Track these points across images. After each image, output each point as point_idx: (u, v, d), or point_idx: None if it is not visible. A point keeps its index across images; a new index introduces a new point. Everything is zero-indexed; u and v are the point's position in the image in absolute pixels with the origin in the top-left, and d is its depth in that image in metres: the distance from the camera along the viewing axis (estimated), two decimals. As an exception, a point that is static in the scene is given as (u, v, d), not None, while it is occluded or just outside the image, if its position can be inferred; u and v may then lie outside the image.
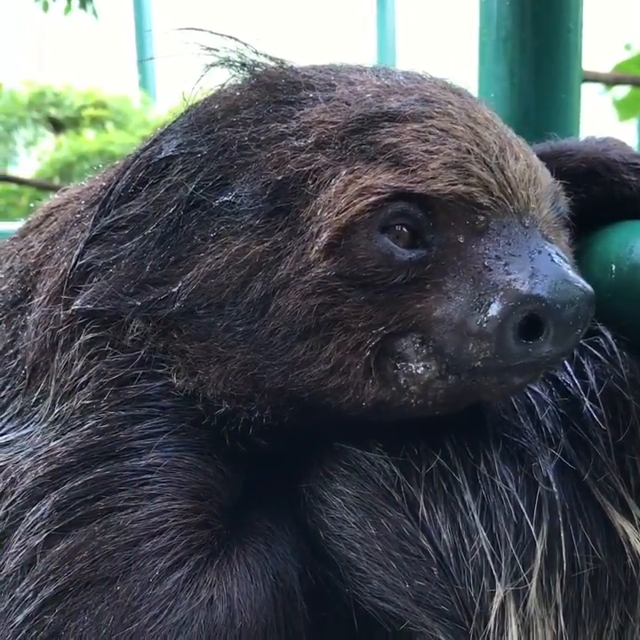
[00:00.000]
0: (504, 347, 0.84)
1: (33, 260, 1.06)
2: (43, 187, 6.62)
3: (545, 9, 1.33)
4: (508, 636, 0.91)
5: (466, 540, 0.93)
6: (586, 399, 0.97)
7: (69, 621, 0.87)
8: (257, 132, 0.93)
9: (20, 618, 0.87)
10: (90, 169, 1.11)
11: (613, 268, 1.00)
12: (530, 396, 0.98)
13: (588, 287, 0.85)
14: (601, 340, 1.01)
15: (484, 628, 0.92)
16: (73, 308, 0.98)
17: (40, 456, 0.93)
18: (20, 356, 1.01)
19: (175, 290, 0.94)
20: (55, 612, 0.87)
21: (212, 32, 0.97)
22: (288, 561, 0.94)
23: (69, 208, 1.09)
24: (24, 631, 0.87)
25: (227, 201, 0.92)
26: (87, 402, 0.95)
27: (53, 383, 0.97)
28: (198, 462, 0.95)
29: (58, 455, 0.92)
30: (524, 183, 0.91)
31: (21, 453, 0.94)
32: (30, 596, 0.87)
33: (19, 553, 0.89)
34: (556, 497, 0.93)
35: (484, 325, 0.84)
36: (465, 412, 0.96)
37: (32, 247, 1.08)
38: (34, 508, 0.90)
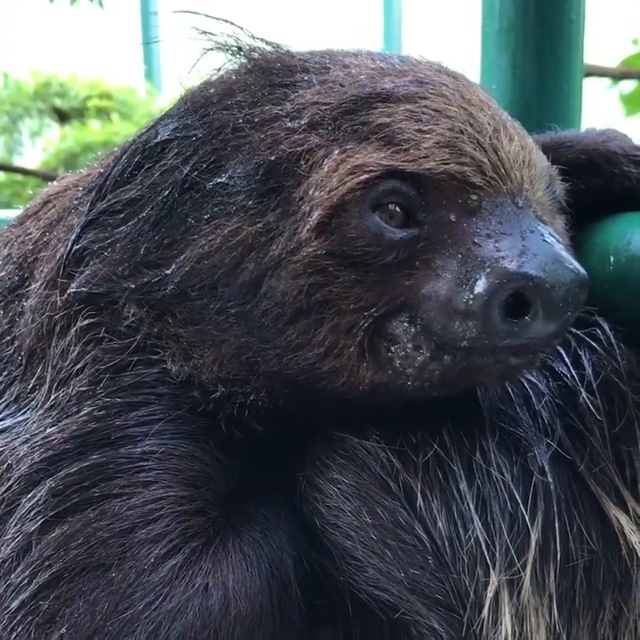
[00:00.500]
0: (489, 325, 0.83)
1: (31, 247, 1.07)
2: (47, 177, 6.61)
3: (547, 0, 1.33)
4: (501, 624, 0.92)
5: (461, 530, 0.93)
6: (582, 390, 0.97)
7: (64, 607, 0.87)
8: (251, 115, 0.93)
9: (15, 603, 0.88)
10: (94, 160, 1.11)
11: (612, 259, 1.00)
12: (526, 386, 0.98)
13: (581, 270, 0.84)
14: (598, 331, 1.01)
15: (478, 616, 0.92)
16: (68, 291, 0.98)
17: (36, 442, 0.93)
18: (17, 343, 1.01)
19: (169, 272, 0.94)
20: (50, 598, 0.87)
21: (208, 16, 0.97)
22: (283, 549, 0.94)
23: (68, 195, 1.10)
24: (19, 617, 0.87)
25: (220, 182, 0.92)
26: (83, 388, 0.95)
27: (50, 369, 0.97)
28: (194, 450, 0.95)
29: (54, 442, 0.92)
30: (517, 164, 0.90)
31: (18, 440, 0.94)
32: (26, 581, 0.88)
33: (14, 539, 0.90)
34: (552, 487, 0.94)
35: (470, 303, 0.83)
36: (462, 401, 0.96)
37: (30, 234, 1.08)
38: (30, 495, 0.91)
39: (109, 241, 0.97)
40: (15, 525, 0.90)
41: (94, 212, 0.99)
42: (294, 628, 0.93)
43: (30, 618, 0.87)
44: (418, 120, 0.89)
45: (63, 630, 0.86)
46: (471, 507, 0.93)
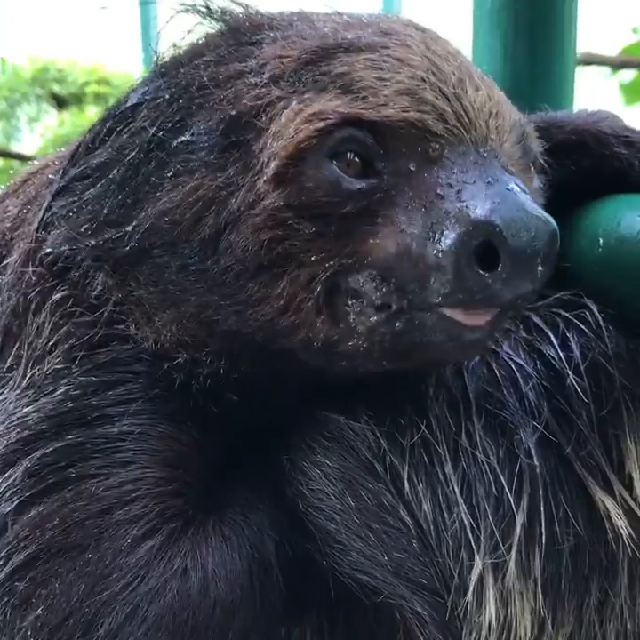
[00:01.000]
0: (462, 278, 0.80)
1: (8, 225, 1.06)
2: (45, 163, 6.59)
3: (539, -21, 1.31)
4: (485, 608, 0.91)
5: (446, 513, 0.92)
6: (570, 372, 0.96)
7: (40, 588, 0.86)
8: (217, 73, 0.92)
9: None
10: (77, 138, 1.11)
11: (601, 241, 0.99)
12: (514, 368, 0.97)
13: (550, 219, 0.81)
14: (587, 313, 1.00)
15: (462, 600, 0.91)
16: (39, 256, 0.97)
17: (12, 422, 0.92)
18: None
19: (129, 229, 0.92)
20: (26, 579, 0.86)
21: None
22: (265, 532, 0.92)
23: (46, 171, 1.09)
24: None
25: (184, 140, 0.91)
26: (59, 366, 0.94)
27: (26, 348, 0.96)
28: (172, 430, 0.94)
29: (30, 421, 0.91)
30: (483, 114, 0.88)
31: None
32: (1, 562, 0.86)
33: None
34: (538, 470, 0.93)
35: (440, 256, 0.80)
36: (448, 383, 0.95)
37: (8, 212, 1.08)
38: (6, 475, 0.89)
39: (77, 204, 0.97)
40: None
41: (66, 178, 0.98)
42: (276, 611, 0.92)
43: (6, 599, 0.86)
44: (378, 68, 0.87)
45: (39, 611, 0.85)
46: (456, 490, 0.93)
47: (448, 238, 0.80)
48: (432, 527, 0.92)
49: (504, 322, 0.91)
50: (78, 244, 0.96)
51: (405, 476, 0.93)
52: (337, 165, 0.85)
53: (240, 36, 0.95)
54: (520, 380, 0.97)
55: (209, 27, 0.99)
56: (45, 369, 0.94)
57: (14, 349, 0.97)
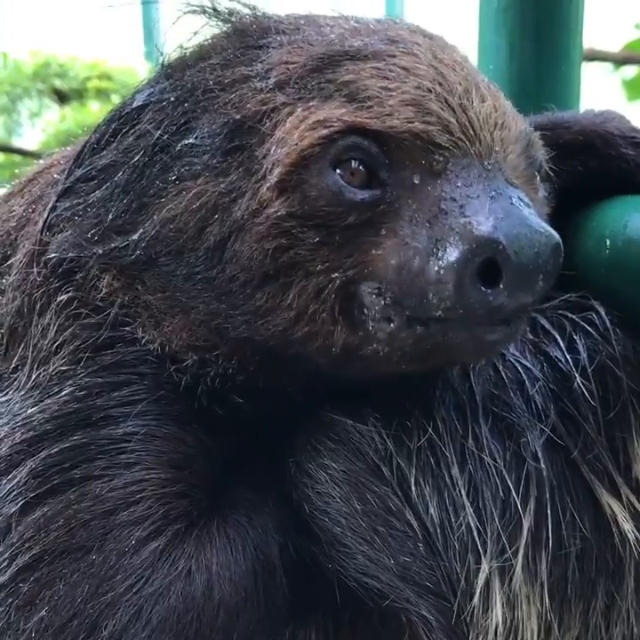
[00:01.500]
0: (463, 294, 0.80)
1: (14, 224, 1.05)
2: (46, 158, 6.58)
3: (545, -22, 1.30)
4: (492, 612, 0.91)
5: (452, 516, 0.92)
6: (577, 375, 0.95)
7: (45, 590, 0.86)
8: (222, 76, 0.91)
9: None
10: (82, 136, 1.11)
11: (608, 242, 0.98)
12: (521, 370, 0.97)
13: (554, 234, 0.81)
14: (594, 315, 0.99)
15: (468, 604, 0.91)
16: (44, 259, 0.97)
17: (17, 423, 0.92)
18: None
19: (135, 237, 0.92)
20: (30, 580, 0.86)
21: None
22: (270, 534, 0.92)
23: (52, 171, 1.08)
24: None
25: (188, 143, 0.90)
26: (64, 368, 0.93)
27: (31, 348, 0.96)
28: (177, 431, 0.93)
29: (35, 422, 0.91)
30: (488, 125, 0.87)
31: (0, 421, 0.93)
32: (5, 564, 0.86)
33: None
34: (544, 473, 0.92)
35: (442, 272, 0.80)
36: (455, 385, 0.95)
37: (14, 211, 1.07)
38: (10, 476, 0.89)
39: (82, 207, 0.96)
40: None
41: (71, 179, 0.98)
42: (280, 613, 0.91)
43: (10, 600, 0.86)
44: (384, 77, 0.86)
45: (43, 613, 0.85)
46: (463, 493, 0.92)
47: (451, 255, 0.79)
48: (439, 530, 0.92)
49: (522, 323, 0.90)
50: (85, 251, 0.95)
51: (412, 479, 0.93)
52: (340, 175, 0.84)
53: (247, 38, 0.94)
54: (527, 382, 0.96)
55: (216, 28, 0.98)
56: (50, 370, 0.94)
57: (19, 350, 0.97)
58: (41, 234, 0.98)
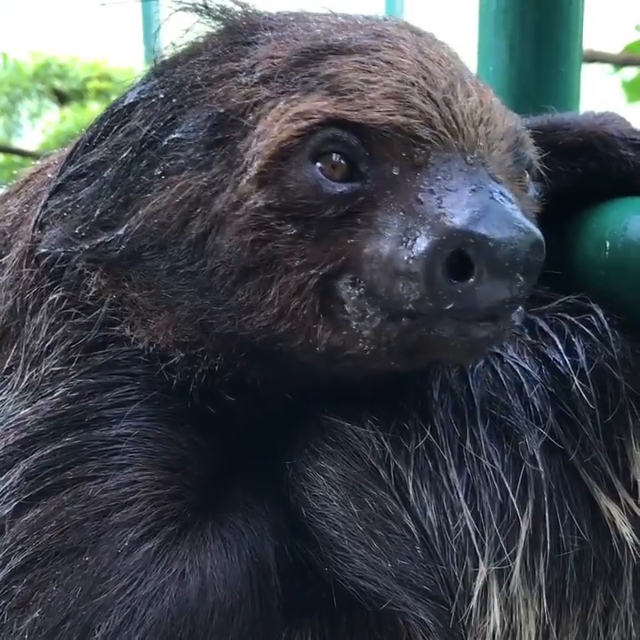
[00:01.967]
0: (432, 287, 0.78)
1: (9, 224, 1.05)
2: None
3: (545, -21, 1.30)
4: (490, 615, 0.90)
5: (450, 519, 0.91)
6: (575, 378, 0.95)
7: (37, 591, 0.85)
8: (210, 72, 0.91)
9: None
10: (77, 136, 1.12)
11: (607, 244, 0.98)
12: (519, 373, 0.97)
13: (535, 230, 0.79)
14: (593, 318, 0.99)
15: (466, 607, 0.91)
16: (35, 257, 0.97)
17: (10, 424, 0.91)
18: None
19: (121, 232, 0.92)
20: (23, 582, 0.85)
21: None
22: (265, 537, 0.92)
23: (48, 171, 1.08)
24: None
25: (174, 138, 0.90)
26: (56, 368, 0.93)
27: (24, 349, 0.95)
28: (170, 432, 0.93)
29: (28, 423, 0.91)
30: (472, 120, 0.86)
31: None
32: None
33: None
34: (542, 476, 0.92)
35: (411, 262, 0.79)
36: (453, 388, 0.94)
37: (9, 212, 1.07)
38: (3, 477, 0.89)
39: (71, 203, 0.96)
40: None
41: (63, 177, 0.98)
42: (275, 617, 0.91)
43: (3, 602, 0.85)
44: (367, 71, 0.86)
45: (36, 614, 0.84)
46: (461, 496, 0.92)
47: (421, 245, 0.78)
48: (436, 534, 0.91)
49: (510, 321, 0.89)
50: (72, 246, 0.95)
51: (410, 483, 0.93)
52: (320, 167, 0.84)
53: (236, 35, 0.94)
54: (525, 384, 0.96)
55: (208, 25, 0.98)
56: (43, 371, 0.94)
57: (12, 350, 0.97)
58: (33, 231, 0.99)
